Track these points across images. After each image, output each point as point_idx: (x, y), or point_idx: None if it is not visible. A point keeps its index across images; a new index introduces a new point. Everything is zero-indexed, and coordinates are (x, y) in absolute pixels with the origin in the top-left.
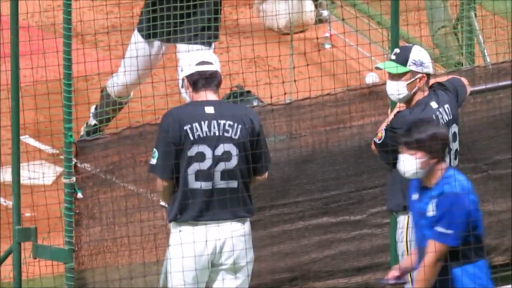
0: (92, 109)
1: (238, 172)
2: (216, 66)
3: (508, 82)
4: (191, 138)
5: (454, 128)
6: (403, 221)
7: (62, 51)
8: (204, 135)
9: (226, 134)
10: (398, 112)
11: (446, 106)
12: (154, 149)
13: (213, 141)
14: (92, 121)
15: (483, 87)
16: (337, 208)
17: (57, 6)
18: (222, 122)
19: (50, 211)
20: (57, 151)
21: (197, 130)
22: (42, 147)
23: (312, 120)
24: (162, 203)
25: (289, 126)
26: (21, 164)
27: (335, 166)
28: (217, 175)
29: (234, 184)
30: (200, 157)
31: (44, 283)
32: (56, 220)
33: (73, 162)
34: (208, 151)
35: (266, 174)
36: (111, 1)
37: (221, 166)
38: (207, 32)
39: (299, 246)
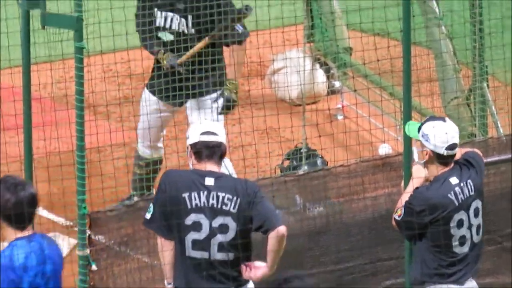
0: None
1: (236, 246)
2: (220, 138)
3: None
4: (188, 206)
5: (477, 203)
6: None
7: (75, 123)
8: (202, 205)
9: (224, 207)
10: (416, 188)
11: (469, 181)
12: (151, 204)
13: (210, 213)
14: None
15: (497, 158)
16: (351, 281)
17: (69, 78)
18: (221, 194)
19: (64, 283)
20: (71, 223)
21: (195, 199)
22: (56, 219)
23: (326, 192)
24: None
25: (302, 197)
26: None
27: (349, 238)
28: (214, 247)
29: (231, 256)
30: (197, 226)
31: None
32: None
33: (87, 234)
34: (205, 222)
35: (281, 229)
36: (123, 73)
37: (218, 238)
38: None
39: None
